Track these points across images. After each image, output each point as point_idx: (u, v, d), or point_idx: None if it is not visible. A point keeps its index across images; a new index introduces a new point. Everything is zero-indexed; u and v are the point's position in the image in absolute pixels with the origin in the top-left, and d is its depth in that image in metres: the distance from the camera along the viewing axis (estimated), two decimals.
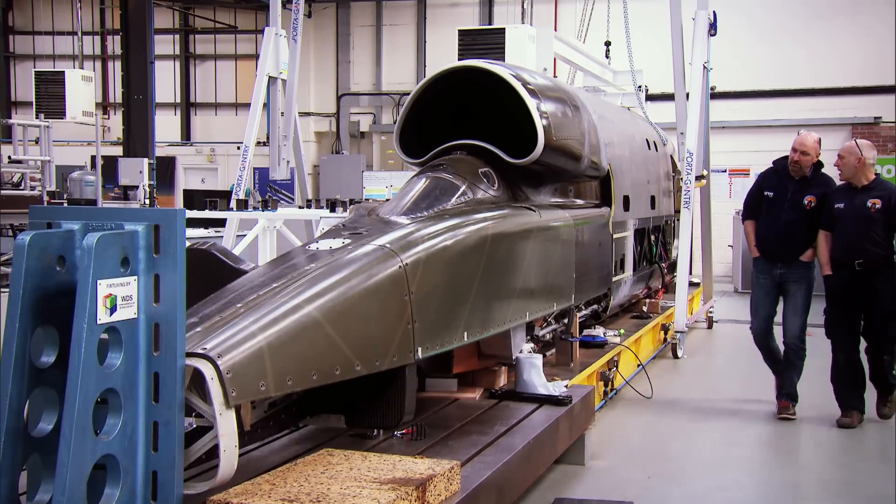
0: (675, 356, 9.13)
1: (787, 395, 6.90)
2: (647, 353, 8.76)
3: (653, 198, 9.28)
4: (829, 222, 6.70)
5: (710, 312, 11.34)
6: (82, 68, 17.78)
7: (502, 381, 5.60)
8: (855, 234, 6.56)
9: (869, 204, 6.56)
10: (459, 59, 7.90)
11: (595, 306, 7.64)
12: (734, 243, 15.56)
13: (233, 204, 11.50)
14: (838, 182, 6.90)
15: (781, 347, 7.04)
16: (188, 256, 3.08)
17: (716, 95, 16.10)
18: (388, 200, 5.50)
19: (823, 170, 7.00)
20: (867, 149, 6.69)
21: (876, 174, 6.73)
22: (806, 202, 6.82)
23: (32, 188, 14.52)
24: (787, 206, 6.85)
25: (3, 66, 24.44)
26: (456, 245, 4.51)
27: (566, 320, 6.46)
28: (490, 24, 18.80)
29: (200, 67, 23.84)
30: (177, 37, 23.67)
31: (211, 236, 12.14)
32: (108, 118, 23.25)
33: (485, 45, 9.31)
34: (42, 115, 15.03)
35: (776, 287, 6.96)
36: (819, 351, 7.22)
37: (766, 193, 6.98)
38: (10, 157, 14.69)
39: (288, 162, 12.57)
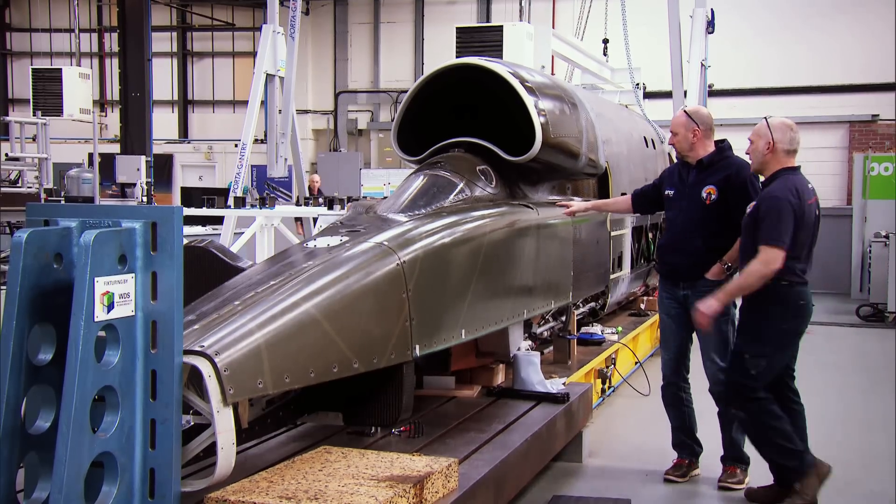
0: None
1: (732, 458, 5.35)
2: (645, 350, 8.77)
3: None
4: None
5: None
6: (79, 66, 17.79)
7: (500, 378, 5.60)
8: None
9: (704, 194, 5.20)
10: (457, 57, 7.89)
11: (593, 304, 7.64)
12: None
13: (230, 201, 11.49)
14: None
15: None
16: (186, 254, 3.07)
17: (715, 93, 16.12)
18: (385, 198, 5.49)
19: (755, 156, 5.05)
20: (781, 130, 4.87)
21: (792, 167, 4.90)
22: (704, 195, 5.24)
23: (30, 186, 14.51)
24: (685, 203, 5.35)
25: (0, 63, 24.41)
26: (454, 243, 4.51)
27: (564, 318, 6.46)
28: (488, 21, 18.80)
29: (198, 65, 23.82)
30: (174, 34, 23.65)
31: (208, 234, 12.14)
32: (106, 116, 23.23)
33: (482, 42, 9.30)
34: (39, 113, 15.02)
35: (686, 312, 5.29)
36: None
37: (666, 192, 5.52)
38: (7, 155, 14.68)
39: (286, 159, 12.57)
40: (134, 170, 15.30)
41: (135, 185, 15.09)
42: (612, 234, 7.41)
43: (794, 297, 4.82)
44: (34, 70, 16.02)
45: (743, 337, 4.95)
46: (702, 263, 5.19)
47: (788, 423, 4.91)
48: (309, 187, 15.98)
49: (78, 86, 15.75)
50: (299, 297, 3.61)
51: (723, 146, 5.38)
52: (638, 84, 11.75)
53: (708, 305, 4.86)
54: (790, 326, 4.89)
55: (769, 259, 4.67)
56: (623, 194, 7.79)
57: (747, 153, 5.03)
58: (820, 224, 4.97)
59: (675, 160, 5.72)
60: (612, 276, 7.51)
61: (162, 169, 21.22)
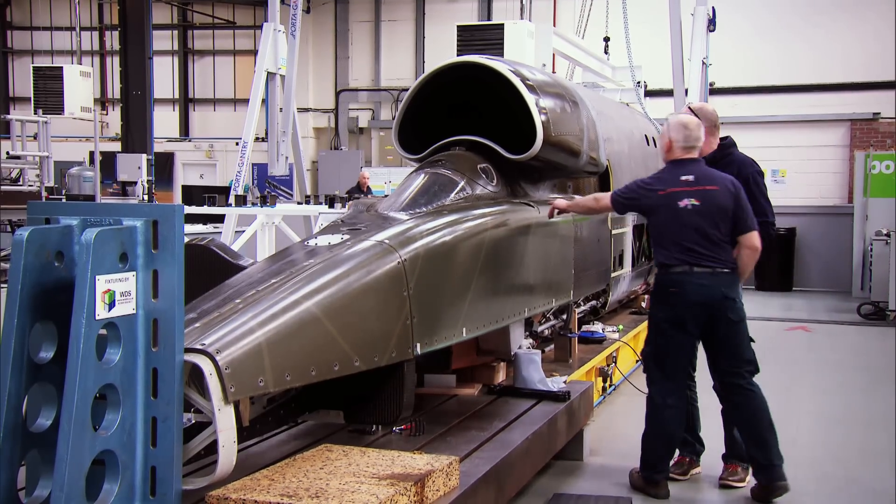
0: None
1: (733, 456, 5.32)
2: None
3: None
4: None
5: None
6: (80, 64, 17.76)
7: (501, 376, 5.59)
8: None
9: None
10: (458, 55, 7.88)
11: (594, 302, 7.64)
12: None
13: (231, 199, 11.50)
14: None
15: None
16: (187, 252, 3.08)
17: (716, 91, 16.10)
18: (386, 196, 5.49)
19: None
20: (676, 129, 5.11)
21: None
22: None
23: (31, 184, 14.52)
24: None
25: (1, 61, 24.43)
26: (455, 241, 4.51)
27: (565, 316, 6.46)
28: (489, 19, 18.78)
29: (199, 63, 23.82)
30: (175, 32, 23.65)
31: (209, 232, 12.15)
32: (107, 114, 23.24)
33: (483, 40, 9.30)
34: (40, 111, 15.03)
35: None
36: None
37: None
38: (8, 153, 14.70)
39: (287, 158, 12.57)
40: (135, 168, 15.30)
41: (136, 183, 15.10)
42: (613, 232, 7.41)
43: (661, 284, 5.09)
44: (35, 68, 16.01)
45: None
46: None
47: (667, 437, 5.12)
48: (359, 183, 15.97)
49: (79, 84, 15.75)
50: (300, 296, 3.61)
51: (725, 143, 5.46)
52: (639, 82, 11.75)
53: (556, 202, 5.55)
54: (656, 312, 5.14)
55: (602, 198, 5.40)
56: None
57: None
58: (716, 213, 4.97)
59: None
60: (613, 275, 7.51)
61: (163, 167, 21.22)
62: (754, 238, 5.07)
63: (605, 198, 5.35)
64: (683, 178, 5.04)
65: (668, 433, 5.12)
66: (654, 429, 5.12)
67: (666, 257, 5.05)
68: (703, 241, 4.96)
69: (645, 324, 8.59)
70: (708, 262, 4.96)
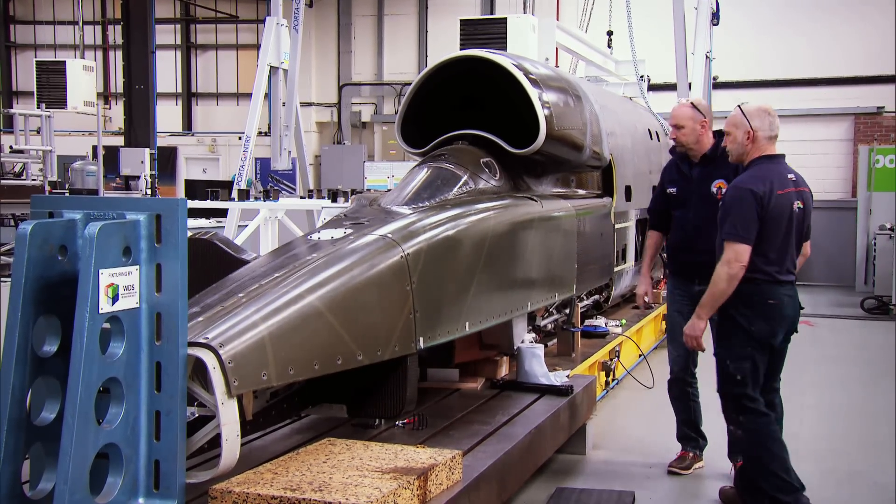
0: None
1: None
2: (649, 343, 8.77)
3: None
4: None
5: None
6: (83, 58, 17.77)
7: (504, 371, 5.60)
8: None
9: (713, 189, 5.16)
10: (461, 49, 7.88)
11: (597, 296, 7.64)
12: None
13: (234, 194, 11.51)
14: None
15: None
16: (190, 246, 3.08)
17: (718, 85, 16.06)
18: (389, 191, 5.49)
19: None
20: (759, 117, 4.62)
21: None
22: (714, 190, 5.20)
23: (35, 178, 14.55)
24: (694, 199, 5.32)
25: (5, 55, 24.43)
26: (458, 235, 4.51)
27: (568, 310, 6.46)
28: (492, 13, 18.75)
29: (202, 57, 23.81)
30: (178, 26, 23.63)
31: (212, 226, 12.16)
32: (110, 108, 23.25)
33: (486, 34, 9.29)
34: (43, 105, 15.06)
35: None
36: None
37: (669, 191, 5.51)
38: (11, 147, 14.72)
39: (289, 152, 12.58)
40: (138, 162, 15.32)
41: (139, 177, 15.11)
42: (617, 226, 7.41)
43: (758, 297, 4.49)
44: (38, 62, 16.05)
45: (720, 343, 4.65)
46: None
47: (786, 450, 4.57)
48: None
49: (82, 78, 15.78)
50: (303, 290, 3.62)
51: (723, 137, 5.22)
52: (642, 76, 11.73)
53: (693, 327, 4.65)
54: (758, 328, 4.51)
55: (730, 257, 4.41)
56: (627, 187, 7.80)
57: (724, 146, 4.84)
58: (808, 218, 4.65)
59: (671, 154, 5.66)
60: (616, 269, 7.50)
61: (166, 161, 21.25)
62: (809, 246, 4.81)
63: (738, 255, 4.37)
64: (790, 176, 4.54)
65: (782, 447, 4.58)
66: (784, 451, 4.52)
67: (769, 268, 4.46)
68: (794, 248, 4.58)
69: (648, 318, 8.61)
70: (792, 271, 4.56)
